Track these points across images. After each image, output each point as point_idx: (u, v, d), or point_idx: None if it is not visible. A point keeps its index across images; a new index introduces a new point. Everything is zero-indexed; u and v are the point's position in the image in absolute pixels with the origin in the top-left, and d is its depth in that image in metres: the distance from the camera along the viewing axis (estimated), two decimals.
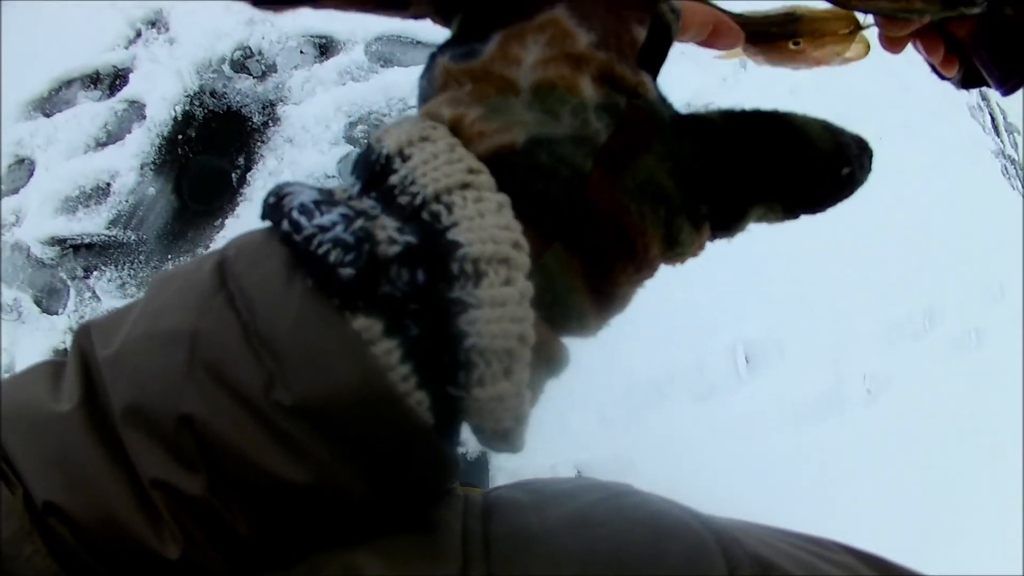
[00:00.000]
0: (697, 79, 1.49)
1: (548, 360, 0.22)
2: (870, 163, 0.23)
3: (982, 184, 1.87)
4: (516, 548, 0.27)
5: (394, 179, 0.20)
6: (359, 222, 0.19)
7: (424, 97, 0.24)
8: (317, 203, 0.20)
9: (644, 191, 0.21)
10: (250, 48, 1.42)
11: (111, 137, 1.47)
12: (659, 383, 1.33)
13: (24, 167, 1.50)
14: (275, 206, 0.20)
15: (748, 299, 1.40)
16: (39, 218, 1.46)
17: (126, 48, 1.52)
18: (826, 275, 1.48)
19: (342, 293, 0.19)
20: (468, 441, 1.24)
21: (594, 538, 0.27)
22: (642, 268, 0.23)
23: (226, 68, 1.42)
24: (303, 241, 0.19)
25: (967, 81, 0.40)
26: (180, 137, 1.41)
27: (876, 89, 1.67)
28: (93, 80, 1.52)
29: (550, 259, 0.21)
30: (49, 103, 1.53)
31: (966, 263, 1.71)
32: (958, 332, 1.65)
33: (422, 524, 0.29)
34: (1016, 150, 2.09)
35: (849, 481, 1.42)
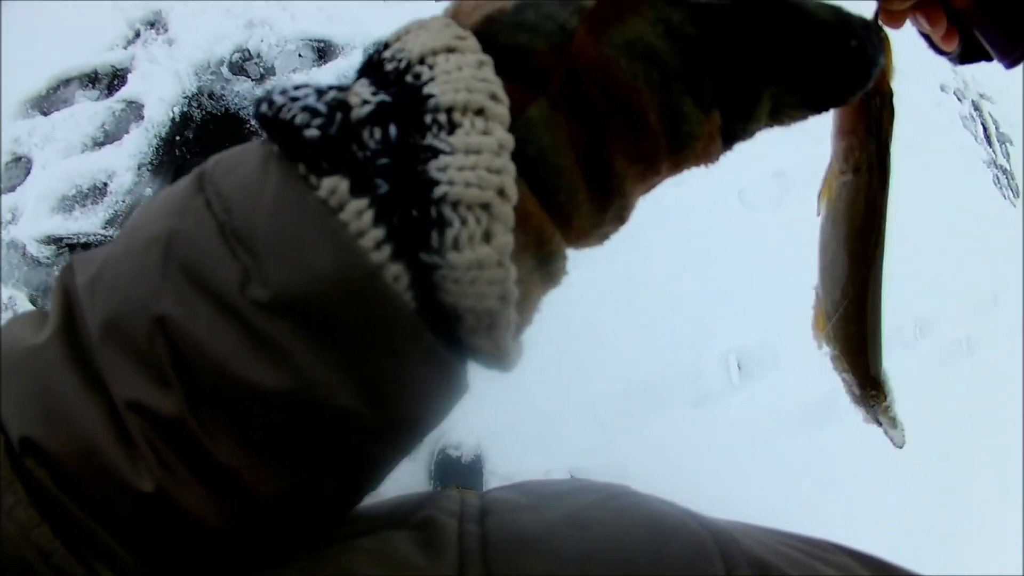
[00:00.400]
0: None
1: (539, 242, 0.20)
2: (879, 39, 0.22)
3: (974, 194, 1.88)
4: (513, 548, 0.26)
5: (386, 53, 0.20)
6: (332, 93, 0.19)
7: None
8: (296, 86, 0.19)
9: (634, 48, 0.20)
10: (248, 51, 1.42)
11: (109, 137, 1.47)
12: (654, 389, 1.33)
13: (21, 165, 1.49)
14: (259, 100, 0.20)
15: (743, 307, 1.41)
16: (35, 216, 1.46)
17: (125, 48, 1.52)
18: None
19: (306, 156, 0.18)
20: (463, 444, 1.24)
21: (592, 538, 0.27)
22: (641, 141, 0.21)
23: (224, 70, 1.42)
24: (273, 112, 0.18)
25: (966, 56, 0.38)
26: (178, 138, 1.42)
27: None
28: (91, 79, 1.52)
29: (535, 112, 0.20)
30: (47, 102, 1.53)
31: (958, 272, 1.72)
32: (950, 341, 1.67)
33: (419, 524, 0.29)
34: (1008, 160, 2.11)
35: (842, 488, 1.43)
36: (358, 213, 0.17)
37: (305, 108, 0.18)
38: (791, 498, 1.38)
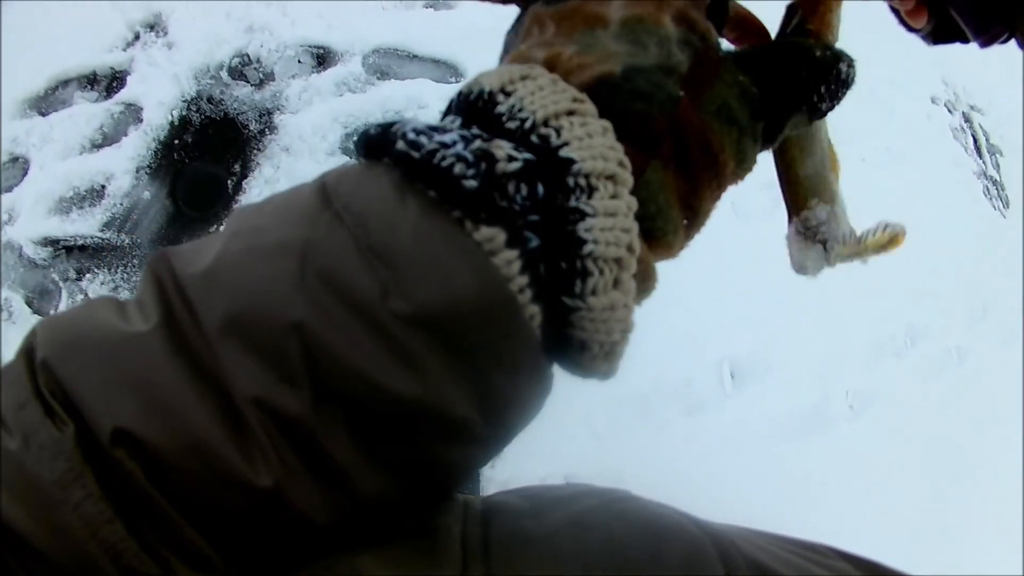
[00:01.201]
0: None
1: (643, 279, 0.23)
2: (854, 65, 0.27)
3: (965, 205, 1.90)
4: (515, 551, 0.27)
5: (501, 108, 0.21)
6: (477, 142, 0.20)
7: (507, 49, 0.27)
8: (432, 128, 0.20)
9: (721, 113, 0.24)
10: (248, 56, 1.43)
11: (107, 139, 1.47)
12: (648, 397, 1.34)
13: (18, 165, 1.49)
14: (381, 136, 0.21)
15: (735, 316, 1.43)
16: (32, 218, 1.46)
17: (124, 50, 1.52)
18: (812, 294, 1.50)
19: (465, 204, 0.19)
20: None
21: (593, 541, 0.28)
22: (722, 183, 0.25)
23: (224, 75, 1.42)
24: (424, 156, 0.19)
25: (938, 35, 0.38)
26: (176, 142, 1.42)
27: (860, 111, 1.70)
28: (90, 81, 1.52)
29: (652, 175, 0.23)
30: (45, 102, 1.53)
31: (949, 283, 1.74)
32: (940, 351, 1.69)
33: (422, 528, 0.29)
34: (998, 171, 2.14)
35: (835, 495, 1.44)
36: (508, 262, 0.19)
37: (459, 158, 0.19)
38: (785, 505, 1.40)
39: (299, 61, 1.43)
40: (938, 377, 1.68)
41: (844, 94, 0.27)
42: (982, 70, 2.07)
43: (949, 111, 1.97)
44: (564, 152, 0.20)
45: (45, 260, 1.42)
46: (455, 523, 0.29)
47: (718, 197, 0.26)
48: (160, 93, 1.44)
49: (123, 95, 1.48)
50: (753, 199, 1.51)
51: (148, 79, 1.46)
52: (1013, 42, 0.36)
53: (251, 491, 0.18)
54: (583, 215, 0.20)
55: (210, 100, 1.42)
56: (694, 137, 0.24)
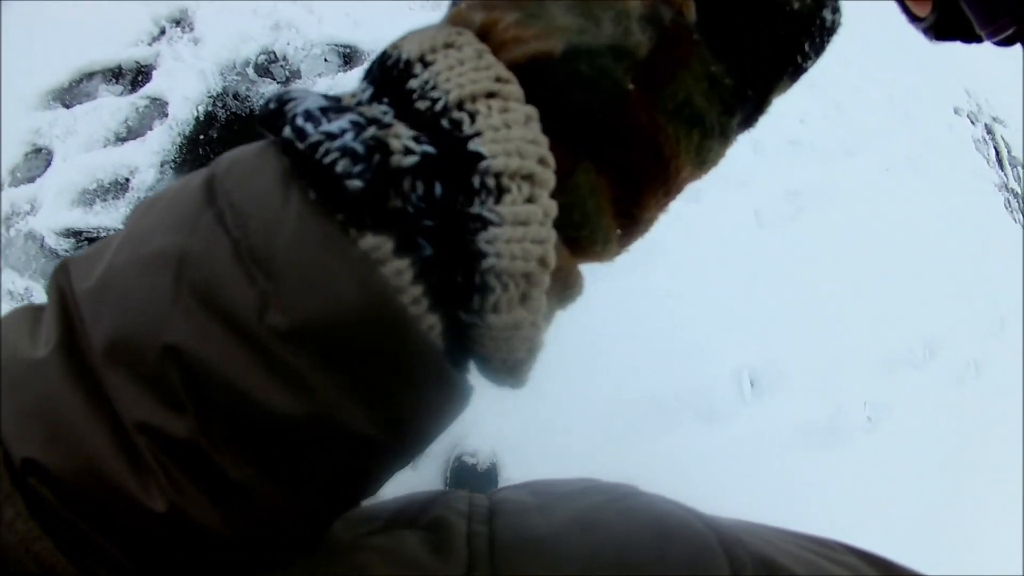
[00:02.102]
0: None
1: (563, 287, 0.21)
2: (839, 7, 0.23)
3: (985, 217, 1.89)
4: (521, 550, 0.27)
5: (413, 83, 0.19)
6: (371, 130, 0.17)
7: (454, 2, 0.23)
8: (324, 109, 0.18)
9: (681, 113, 0.20)
10: (275, 53, 1.43)
11: (132, 133, 1.48)
12: (666, 404, 1.34)
13: (41, 156, 1.50)
14: (276, 112, 0.18)
15: (755, 325, 1.42)
16: (55, 208, 1.47)
17: (150, 45, 1.53)
18: (831, 304, 1.50)
19: (348, 207, 0.17)
20: (479, 452, 1.25)
21: (598, 540, 0.28)
22: (671, 191, 0.22)
23: (250, 71, 1.43)
24: (307, 149, 0.17)
25: (940, 29, 0.34)
26: (202, 137, 1.43)
27: (882, 121, 1.69)
28: (115, 74, 1.53)
29: (581, 178, 0.19)
30: (69, 94, 1.54)
31: (967, 295, 1.73)
32: (958, 363, 1.68)
33: (428, 525, 0.30)
34: (1020, 184, 2.12)
35: (848, 507, 1.44)
36: (398, 272, 0.17)
37: (344, 151, 0.17)
38: (800, 516, 1.39)
39: (325, 60, 1.44)
40: (955, 389, 1.67)
41: (829, 43, 0.23)
42: (1005, 81, 2.05)
43: (972, 122, 1.96)
44: (474, 145, 0.18)
45: (67, 251, 1.43)
46: (461, 521, 0.30)
47: (666, 205, 0.22)
48: (186, 88, 1.44)
49: (148, 89, 1.48)
50: (776, 208, 1.51)
51: (174, 74, 1.47)
52: (1019, 47, 0.33)
53: (148, 514, 0.17)
54: (486, 223, 0.18)
55: (236, 96, 1.43)
56: (641, 140, 0.20)
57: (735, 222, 1.45)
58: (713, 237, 1.43)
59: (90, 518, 0.17)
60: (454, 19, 0.21)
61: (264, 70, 1.43)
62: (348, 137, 0.17)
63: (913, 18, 0.35)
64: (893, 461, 1.50)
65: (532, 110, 0.19)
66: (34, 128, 1.50)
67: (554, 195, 0.19)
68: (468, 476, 1.23)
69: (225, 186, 0.18)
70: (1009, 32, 0.31)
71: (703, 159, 0.21)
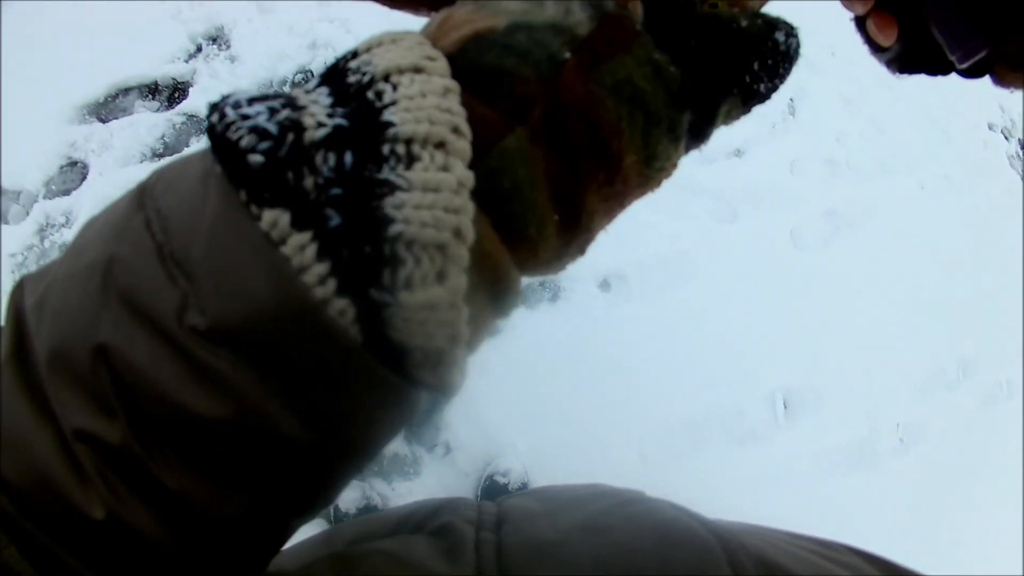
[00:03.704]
0: (747, 127, 1.51)
1: (492, 278, 0.20)
2: (796, 34, 0.23)
3: (1018, 235, 1.87)
4: (527, 556, 0.28)
5: (352, 63, 0.19)
6: (285, 112, 0.17)
7: None
8: (252, 99, 0.18)
9: (621, 90, 0.20)
10: (312, 72, 1.44)
11: (168, 149, 1.49)
12: (699, 425, 1.34)
13: (77, 170, 1.52)
14: (215, 107, 0.18)
15: (789, 347, 1.41)
16: None
17: (186, 62, 1.55)
18: (865, 325, 1.49)
19: (249, 184, 0.17)
20: (511, 471, 1.25)
21: (604, 545, 0.28)
22: (614, 180, 0.21)
23: (287, 90, 1.44)
24: (222, 129, 0.17)
25: (905, 60, 0.32)
26: None
27: (918, 140, 1.68)
28: (151, 91, 1.55)
29: (512, 142, 0.19)
30: (105, 109, 1.56)
31: (1001, 316, 1.71)
32: (991, 384, 1.66)
33: (437, 531, 0.30)
34: None
35: (879, 528, 1.43)
36: (300, 248, 0.17)
37: (254, 129, 0.17)
38: (831, 536, 1.38)
39: None
40: (987, 410, 1.65)
41: (788, 70, 0.22)
42: None
43: (1005, 138, 1.93)
44: (386, 115, 0.18)
45: None
46: (469, 527, 0.30)
47: (612, 199, 0.21)
48: None
49: (185, 106, 1.50)
50: (812, 228, 1.50)
51: (210, 91, 1.49)
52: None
53: (90, 523, 0.17)
54: (393, 188, 0.17)
55: None
56: (575, 110, 0.19)
57: (771, 242, 1.45)
58: (749, 257, 1.42)
59: (45, 527, 0.18)
60: (436, 22, 0.22)
61: None
62: (261, 119, 0.17)
63: (876, 48, 0.33)
64: (924, 482, 1.49)
65: (453, 83, 0.19)
66: (70, 141, 1.52)
67: (483, 159, 0.19)
68: (499, 495, 1.23)
69: (154, 193, 0.19)
70: (981, 55, 0.29)
71: (651, 152, 0.21)
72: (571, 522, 0.30)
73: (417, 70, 0.19)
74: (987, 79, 0.32)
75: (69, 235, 1.46)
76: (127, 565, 0.18)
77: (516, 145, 0.19)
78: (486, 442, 1.28)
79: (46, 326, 0.18)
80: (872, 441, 1.47)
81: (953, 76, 0.32)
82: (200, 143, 1.49)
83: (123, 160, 1.50)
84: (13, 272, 1.40)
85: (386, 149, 0.17)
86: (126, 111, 1.55)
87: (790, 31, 0.22)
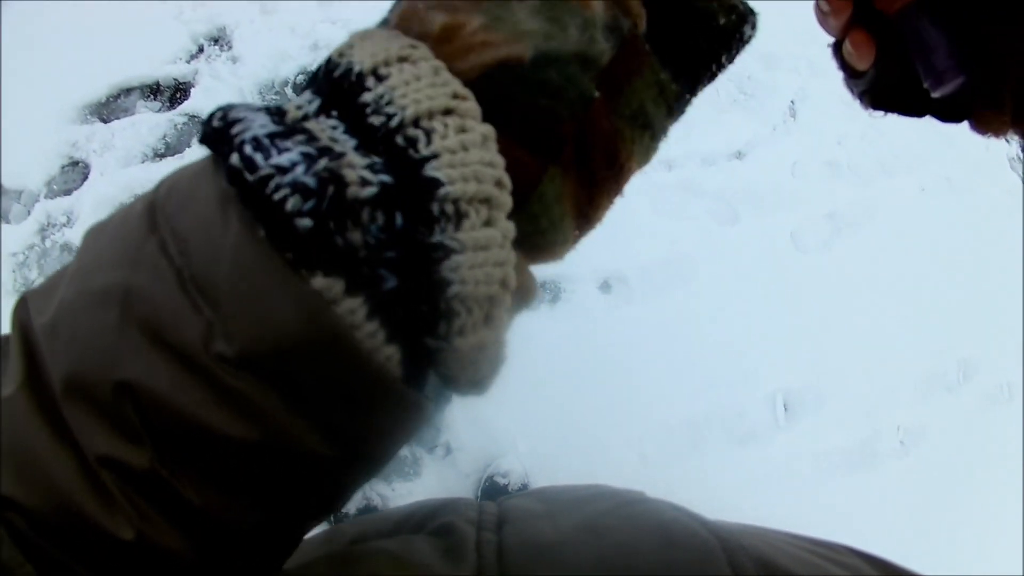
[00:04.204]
0: (748, 129, 1.51)
1: (522, 298, 0.21)
2: (756, 23, 0.23)
3: (1020, 238, 1.87)
4: (528, 557, 0.28)
5: (367, 97, 0.18)
6: (323, 162, 0.17)
7: None
8: (273, 136, 0.17)
9: (636, 118, 0.21)
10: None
11: (170, 149, 1.49)
12: (698, 426, 1.34)
13: (78, 170, 1.52)
14: (221, 133, 0.18)
15: (790, 348, 1.41)
16: (92, 222, 1.48)
17: (188, 63, 1.55)
18: (866, 327, 1.49)
19: (297, 247, 0.17)
20: (511, 472, 1.25)
21: (605, 545, 0.28)
22: (620, 189, 0.23)
23: (289, 91, 1.44)
24: (257, 182, 0.17)
25: (879, 92, 0.30)
26: None
27: (919, 142, 1.68)
28: (153, 91, 1.55)
29: (548, 186, 0.20)
30: (107, 109, 1.56)
31: (1001, 317, 1.71)
32: (992, 386, 1.65)
33: (439, 531, 0.30)
34: None
35: (879, 530, 1.43)
36: (351, 311, 0.17)
37: (295, 187, 0.16)
38: (831, 538, 1.38)
39: None
40: (987, 412, 1.65)
41: (740, 53, 0.24)
42: None
43: (1007, 140, 1.93)
44: (430, 169, 0.17)
45: None
46: (470, 527, 0.30)
47: (614, 197, 0.23)
48: None
49: (187, 107, 1.50)
50: (813, 230, 1.50)
51: (212, 92, 1.49)
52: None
53: (117, 544, 0.18)
54: (448, 252, 0.17)
55: None
56: (601, 145, 0.21)
57: (772, 244, 1.45)
58: (749, 259, 1.42)
59: (65, 548, 0.18)
60: (407, 19, 0.21)
61: (303, 90, 1.45)
62: (299, 171, 0.17)
63: (851, 74, 0.31)
64: (924, 484, 1.49)
65: (489, 129, 0.19)
66: (71, 141, 1.53)
67: (524, 206, 0.19)
68: (499, 496, 1.23)
69: (166, 212, 0.18)
70: (957, 83, 0.27)
71: (648, 159, 0.23)
72: (572, 523, 0.30)
73: (447, 112, 0.18)
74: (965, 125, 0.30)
75: (70, 235, 1.46)
76: None
77: (551, 187, 0.20)
78: (486, 443, 1.28)
79: (60, 351, 0.18)
80: (872, 442, 1.47)
81: (930, 119, 0.30)
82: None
83: (124, 160, 1.50)
84: (14, 271, 1.40)
85: (436, 209, 0.17)
86: (128, 111, 1.55)
87: (755, 22, 0.23)
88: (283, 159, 0.17)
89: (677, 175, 1.47)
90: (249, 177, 0.17)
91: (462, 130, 0.18)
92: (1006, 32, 0.26)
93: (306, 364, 0.17)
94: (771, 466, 1.36)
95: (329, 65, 0.20)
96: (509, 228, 0.18)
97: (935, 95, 0.28)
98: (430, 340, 0.18)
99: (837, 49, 0.31)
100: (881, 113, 0.32)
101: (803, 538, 0.31)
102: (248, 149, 0.17)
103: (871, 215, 1.53)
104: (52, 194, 1.49)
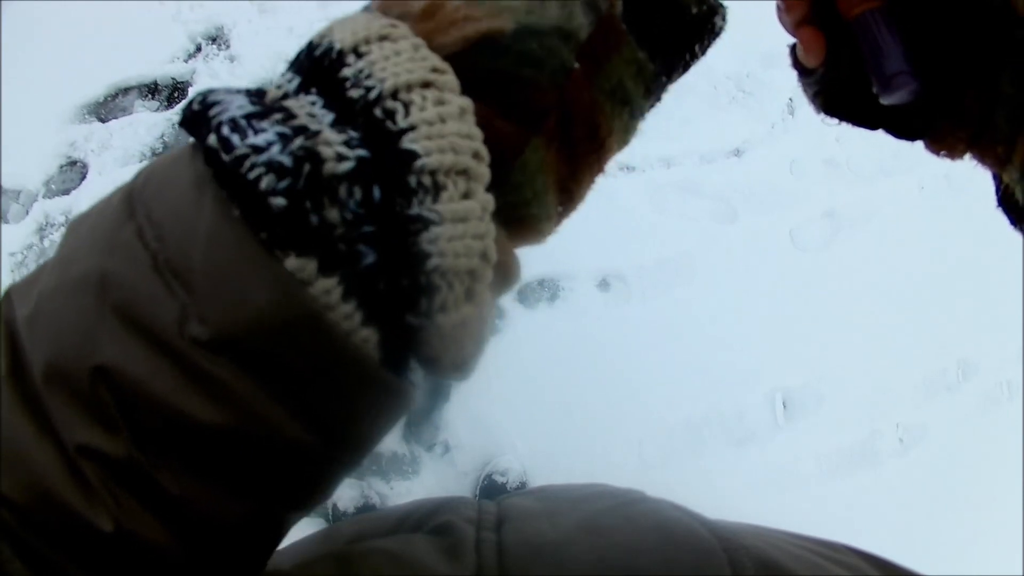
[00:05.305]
0: (746, 127, 1.51)
1: (504, 277, 0.21)
2: (726, 16, 0.24)
3: (1019, 237, 1.86)
4: (528, 556, 0.28)
5: (347, 71, 0.18)
6: (299, 140, 0.17)
7: None
8: (250, 117, 0.17)
9: (615, 93, 0.21)
10: None
11: (167, 149, 1.49)
12: (697, 426, 1.34)
13: (76, 169, 1.52)
14: (199, 115, 0.18)
15: (790, 347, 1.41)
16: None
17: (186, 62, 1.55)
18: (865, 326, 1.49)
19: (271, 227, 0.17)
20: (509, 471, 1.25)
21: (604, 546, 0.28)
22: (601, 167, 0.23)
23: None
24: (232, 162, 0.17)
25: (830, 95, 0.29)
26: None
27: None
28: (151, 90, 1.55)
29: (531, 155, 0.20)
30: (104, 108, 1.56)
31: (1001, 316, 1.70)
32: (992, 385, 1.65)
33: (438, 531, 0.30)
34: None
35: (879, 529, 1.43)
36: (326, 291, 0.17)
37: (270, 166, 0.16)
38: (831, 538, 1.38)
39: None
40: (987, 411, 1.64)
41: (712, 45, 0.24)
42: None
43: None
44: (407, 142, 0.18)
45: None
46: (470, 527, 0.30)
47: (595, 180, 0.23)
48: None
49: (184, 106, 1.50)
50: (813, 229, 1.50)
51: None
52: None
53: (98, 536, 0.17)
54: (427, 223, 0.17)
55: None
56: (581, 116, 0.21)
57: (771, 242, 1.45)
58: (748, 257, 1.42)
59: (50, 542, 0.18)
60: (389, 1, 0.21)
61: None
62: (275, 150, 0.17)
63: (802, 72, 0.31)
64: (924, 483, 1.49)
65: (467, 102, 0.19)
66: (69, 141, 1.52)
67: (506, 177, 0.19)
68: (497, 494, 1.23)
69: (143, 198, 0.18)
70: (909, 89, 0.26)
71: (627, 138, 0.23)
72: (572, 522, 0.30)
73: (426, 85, 0.18)
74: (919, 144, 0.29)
75: None
76: (135, 574, 0.18)
77: (534, 158, 0.20)
78: (485, 441, 1.28)
79: (39, 341, 0.18)
80: (872, 442, 1.47)
81: (883, 135, 0.29)
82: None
83: (123, 160, 1.50)
84: (13, 271, 1.40)
85: (413, 181, 0.17)
86: (126, 111, 1.55)
87: (724, 14, 0.24)
88: (259, 139, 0.17)
89: (676, 173, 1.47)
90: (225, 157, 0.17)
91: (440, 103, 0.18)
92: (968, 40, 0.26)
93: (281, 347, 0.17)
94: (771, 465, 1.36)
95: (310, 46, 0.20)
96: (488, 200, 0.18)
97: (883, 101, 0.27)
98: (412, 318, 0.18)
99: (793, 48, 0.31)
100: (835, 121, 0.31)
101: (803, 537, 0.31)
102: (225, 130, 0.17)
103: (870, 213, 1.53)
104: (50, 194, 1.49)
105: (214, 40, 1.54)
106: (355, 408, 0.19)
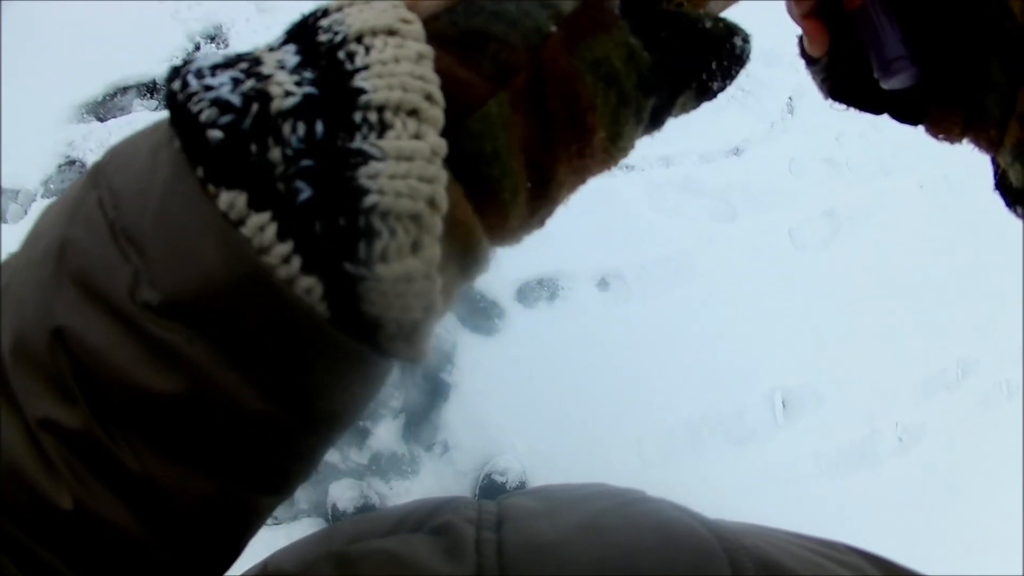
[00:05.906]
0: (746, 126, 1.51)
1: (463, 247, 0.20)
2: (749, 40, 0.24)
3: (1019, 237, 1.86)
4: (528, 556, 0.28)
5: (324, 22, 0.19)
6: (250, 82, 0.17)
7: None
8: (215, 67, 0.17)
9: (599, 67, 0.20)
10: None
11: None
12: (698, 426, 1.34)
13: (75, 169, 1.52)
14: (176, 71, 0.18)
15: (789, 347, 1.41)
16: None
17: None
18: (864, 325, 1.49)
19: (207, 161, 0.16)
20: (509, 470, 1.25)
21: (605, 545, 0.28)
22: (584, 153, 0.21)
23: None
24: (183, 101, 0.17)
25: (835, 82, 0.31)
26: None
27: (917, 139, 1.67)
28: (150, 89, 1.55)
29: (494, 107, 0.19)
30: (103, 108, 1.56)
31: (1000, 316, 1.71)
32: (991, 384, 1.65)
33: (438, 531, 0.30)
34: None
35: (878, 528, 1.42)
36: (259, 229, 0.16)
37: (216, 102, 0.16)
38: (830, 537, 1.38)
39: None
40: (988, 411, 1.65)
41: (738, 72, 0.23)
42: None
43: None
44: (357, 80, 0.17)
45: None
46: (470, 526, 0.30)
47: (579, 172, 0.21)
48: None
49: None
50: (812, 228, 1.50)
51: None
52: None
53: (59, 514, 0.17)
54: (367, 158, 0.17)
55: None
56: (558, 81, 0.20)
57: (770, 242, 1.45)
58: (747, 257, 1.42)
59: (17, 521, 0.17)
60: None
61: None
62: (224, 90, 0.16)
63: (809, 62, 0.32)
64: (924, 482, 1.49)
65: (427, 48, 0.18)
66: (68, 140, 1.52)
67: (463, 122, 0.18)
68: (497, 494, 1.23)
69: (107, 171, 0.18)
70: (908, 74, 0.27)
71: (618, 130, 0.21)
72: (572, 522, 0.30)
73: (391, 32, 0.18)
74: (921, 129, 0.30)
75: None
76: (100, 556, 0.18)
77: (498, 110, 0.19)
78: (484, 441, 1.28)
79: (7, 315, 0.18)
80: (872, 441, 1.47)
81: (884, 132, 0.31)
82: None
83: None
84: None
85: (358, 117, 0.17)
86: (124, 110, 1.55)
87: (745, 37, 0.23)
88: (213, 80, 0.17)
89: (675, 172, 1.47)
90: (179, 97, 0.17)
91: (400, 47, 0.18)
92: (960, 26, 0.26)
93: (230, 307, 0.16)
94: (770, 465, 1.36)
95: (304, 14, 0.20)
96: (439, 144, 0.17)
97: (884, 86, 0.28)
98: (350, 265, 0.17)
99: (801, 38, 0.32)
100: (842, 106, 0.32)
101: (803, 537, 0.31)
102: (189, 77, 0.17)
103: (869, 212, 1.54)
104: (49, 193, 1.49)
105: (213, 39, 1.54)
106: (315, 376, 0.18)
